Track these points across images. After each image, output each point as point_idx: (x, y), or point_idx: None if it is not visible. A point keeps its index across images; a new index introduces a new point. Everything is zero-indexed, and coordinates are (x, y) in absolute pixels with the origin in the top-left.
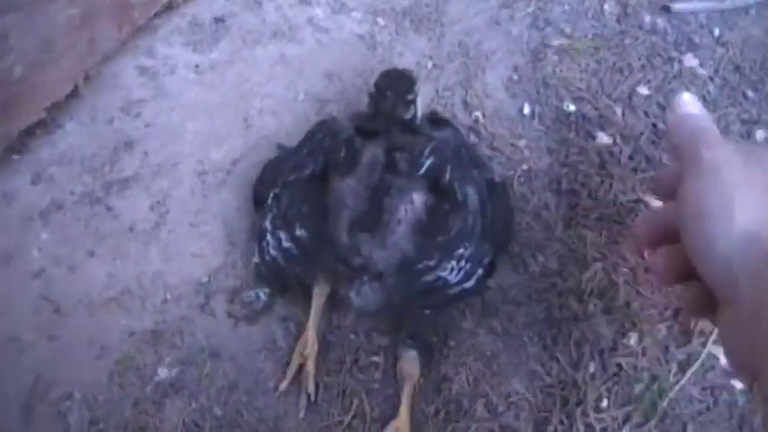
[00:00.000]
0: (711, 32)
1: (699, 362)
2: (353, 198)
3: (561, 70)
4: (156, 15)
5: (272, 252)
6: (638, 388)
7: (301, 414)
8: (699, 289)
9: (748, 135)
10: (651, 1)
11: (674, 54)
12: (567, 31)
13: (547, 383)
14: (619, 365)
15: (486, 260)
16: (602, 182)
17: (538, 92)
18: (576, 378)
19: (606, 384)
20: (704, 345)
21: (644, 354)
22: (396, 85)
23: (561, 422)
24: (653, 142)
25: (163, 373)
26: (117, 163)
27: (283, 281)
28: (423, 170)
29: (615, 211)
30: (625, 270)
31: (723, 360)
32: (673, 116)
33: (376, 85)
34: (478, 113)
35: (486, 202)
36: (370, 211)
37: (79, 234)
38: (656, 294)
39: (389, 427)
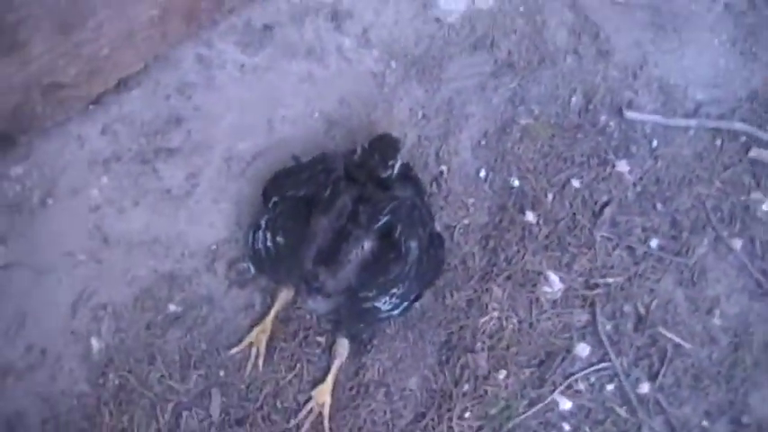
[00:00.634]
0: (650, 143)
1: (543, 403)
2: (323, 235)
3: (519, 148)
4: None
5: (258, 245)
6: (494, 410)
7: (259, 367)
8: None
9: (645, 241)
10: (612, 102)
11: (611, 157)
12: (536, 112)
13: (432, 389)
14: (486, 391)
15: (414, 296)
16: (518, 251)
17: (495, 161)
18: (453, 391)
19: (472, 402)
20: (552, 392)
21: (506, 387)
22: (384, 150)
23: (433, 420)
24: (568, 227)
25: (172, 307)
26: (167, 133)
27: (261, 267)
28: (379, 224)
29: (521, 276)
30: (513, 323)
31: (563, 406)
32: None
33: (369, 143)
34: (445, 168)
35: (424, 253)
36: (330, 248)
37: (129, 185)
38: (531, 345)
39: (317, 389)
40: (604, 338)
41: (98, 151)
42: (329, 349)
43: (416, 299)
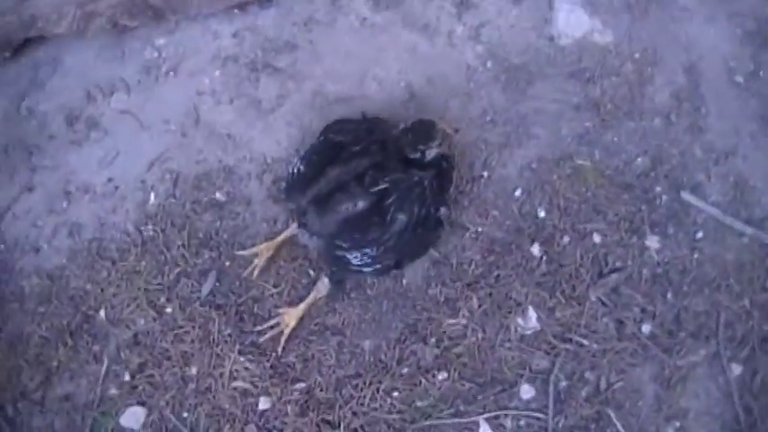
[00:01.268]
0: (695, 232)
1: (466, 420)
2: (327, 181)
3: (563, 183)
4: None
5: (291, 169)
6: (420, 403)
7: (254, 275)
8: None
9: (639, 322)
10: (677, 177)
11: (645, 228)
12: (596, 156)
13: (379, 357)
14: (420, 382)
15: (387, 263)
16: (510, 276)
17: (535, 187)
18: (394, 369)
19: (405, 386)
20: (479, 414)
21: (440, 388)
22: (420, 134)
23: (365, 382)
24: (568, 275)
25: (218, 195)
26: (279, 54)
27: (285, 189)
28: (376, 189)
29: (503, 298)
30: (476, 336)
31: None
32: None
33: (411, 124)
34: (486, 174)
35: (411, 230)
36: (327, 194)
37: (233, 85)
38: (482, 363)
39: (289, 310)
40: (552, 391)
41: (223, 49)
42: (313, 283)
43: (394, 267)
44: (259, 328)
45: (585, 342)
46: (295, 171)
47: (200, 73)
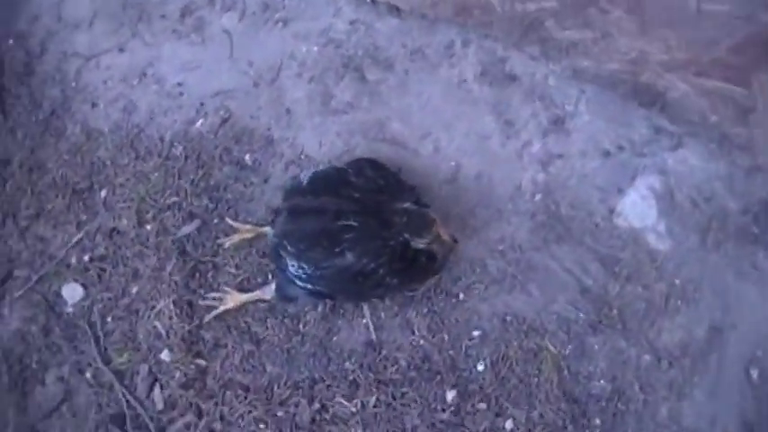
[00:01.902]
0: None
1: None
2: (315, 203)
3: (519, 352)
4: None
5: (300, 176)
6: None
7: (227, 247)
8: None
9: None
10: None
11: None
12: (566, 349)
13: (270, 386)
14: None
15: (320, 289)
16: (415, 408)
17: (492, 338)
18: (274, 406)
19: (272, 426)
20: None
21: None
22: (412, 223)
23: (245, 398)
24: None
25: (247, 157)
26: (375, 65)
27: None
28: (343, 222)
29: (397, 419)
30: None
31: None
32: None
33: (411, 210)
34: (462, 297)
35: (353, 275)
36: (305, 210)
37: (325, 69)
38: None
39: (234, 294)
40: None
41: (335, 29)
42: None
43: (326, 296)
44: (205, 295)
45: None
46: (299, 181)
47: (304, 39)
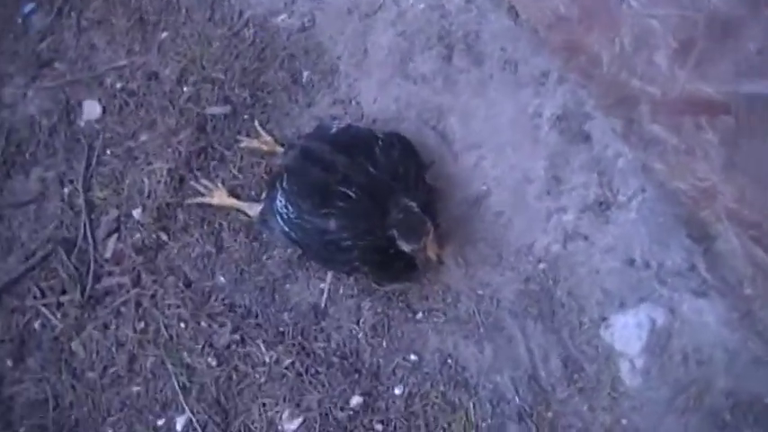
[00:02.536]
0: None
1: None
2: (330, 155)
3: (437, 402)
4: None
5: (332, 125)
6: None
7: (242, 145)
8: None
9: None
10: None
11: None
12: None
13: (204, 302)
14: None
15: (293, 236)
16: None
17: (421, 373)
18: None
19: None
20: None
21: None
22: (404, 225)
23: (180, 315)
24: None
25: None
26: (472, 48)
27: None
28: (342, 189)
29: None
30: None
31: None
32: None
33: (411, 210)
34: (420, 317)
35: (325, 242)
36: (318, 157)
37: (436, 41)
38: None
39: (224, 195)
40: None
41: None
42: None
43: (298, 245)
44: (198, 194)
45: None
46: (329, 126)
47: None
